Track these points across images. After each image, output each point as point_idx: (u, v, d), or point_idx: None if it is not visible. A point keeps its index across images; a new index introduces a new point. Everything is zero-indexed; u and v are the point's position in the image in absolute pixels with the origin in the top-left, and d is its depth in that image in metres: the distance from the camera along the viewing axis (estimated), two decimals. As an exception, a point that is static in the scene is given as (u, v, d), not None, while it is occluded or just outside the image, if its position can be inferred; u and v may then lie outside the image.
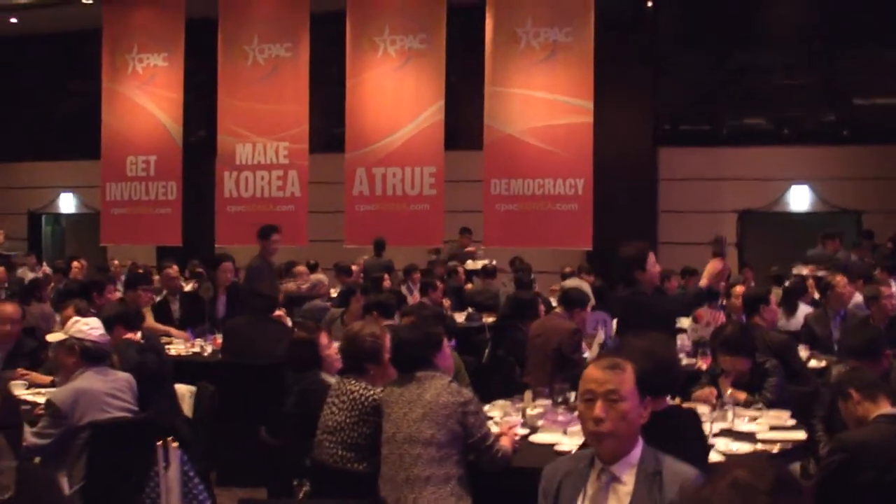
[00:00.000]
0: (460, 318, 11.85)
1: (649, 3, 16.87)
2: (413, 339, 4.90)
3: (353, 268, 12.48)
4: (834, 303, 9.10)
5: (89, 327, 5.60)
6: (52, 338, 5.91)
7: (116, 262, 15.92)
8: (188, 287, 12.31)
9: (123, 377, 5.68)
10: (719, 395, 5.92)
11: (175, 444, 2.78)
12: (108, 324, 5.95)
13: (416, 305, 9.05)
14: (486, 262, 14.17)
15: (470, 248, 15.45)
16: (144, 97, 17.35)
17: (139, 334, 6.96)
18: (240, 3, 16.88)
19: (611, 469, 3.32)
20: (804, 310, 9.82)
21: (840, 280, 9.10)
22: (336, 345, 5.92)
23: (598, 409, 3.30)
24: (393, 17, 15.85)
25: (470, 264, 14.32)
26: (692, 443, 4.15)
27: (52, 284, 13.10)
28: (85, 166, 19.30)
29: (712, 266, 7.03)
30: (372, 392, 4.94)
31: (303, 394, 5.59)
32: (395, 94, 15.82)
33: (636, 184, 16.35)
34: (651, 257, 7.19)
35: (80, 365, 5.51)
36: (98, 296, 9.19)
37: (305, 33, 16.31)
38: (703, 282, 7.09)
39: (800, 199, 16.51)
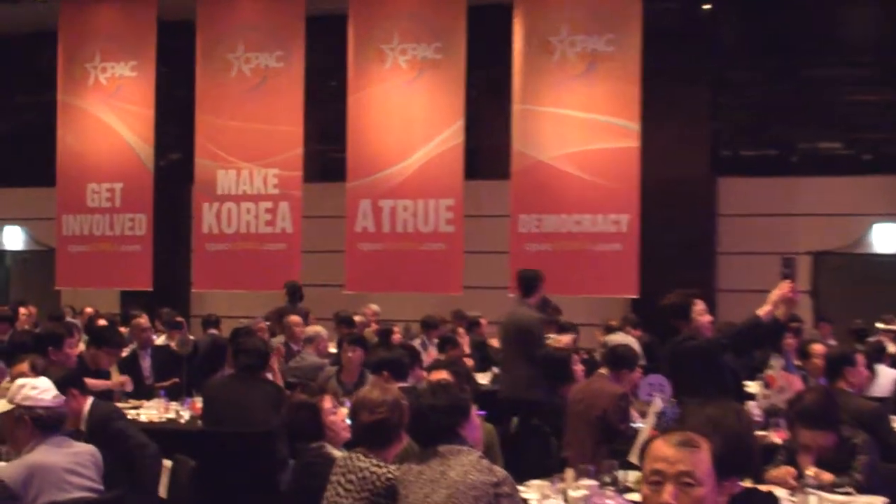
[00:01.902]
0: (484, 379, 11.80)
1: (705, 7, 16.90)
2: (438, 406, 4.85)
3: (357, 318, 12.41)
4: (925, 366, 9.04)
5: (38, 391, 5.53)
6: None
7: (90, 309, 15.85)
8: (160, 340, 12.32)
9: (86, 449, 5.65)
10: (800, 476, 5.87)
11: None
12: (60, 387, 5.87)
13: (448, 361, 8.92)
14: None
15: None
16: (109, 113, 17.30)
17: (90, 400, 6.79)
18: (222, 4, 16.96)
19: (677, 565, 3.28)
20: (887, 373, 9.73)
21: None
22: (343, 410, 5.89)
23: (668, 493, 3.27)
24: (403, 21, 15.84)
25: None
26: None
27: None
28: (36, 195, 19.30)
29: (779, 290, 6.90)
30: (385, 470, 4.89)
31: (303, 469, 5.56)
32: (406, 112, 15.79)
33: (691, 220, 16.27)
34: (698, 305, 7.18)
35: (34, 436, 5.47)
36: (55, 350, 9.08)
37: (300, 40, 16.30)
38: (765, 309, 6.88)
39: (885, 238, 16.44)
